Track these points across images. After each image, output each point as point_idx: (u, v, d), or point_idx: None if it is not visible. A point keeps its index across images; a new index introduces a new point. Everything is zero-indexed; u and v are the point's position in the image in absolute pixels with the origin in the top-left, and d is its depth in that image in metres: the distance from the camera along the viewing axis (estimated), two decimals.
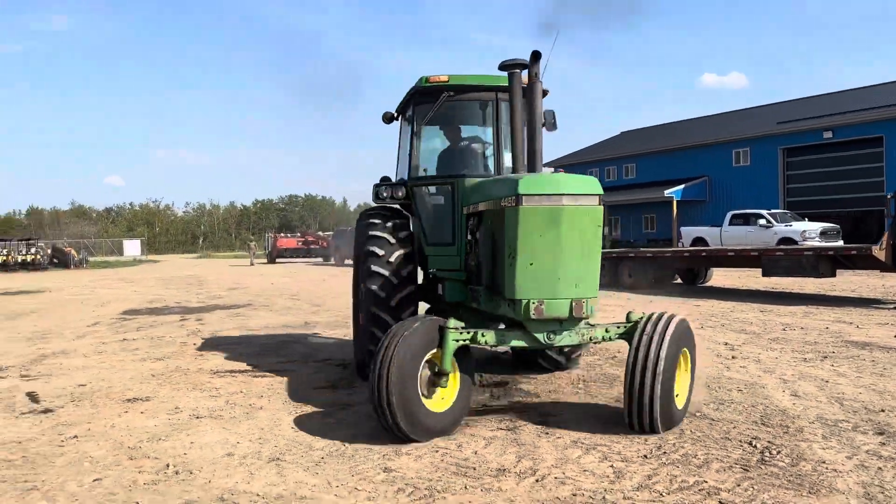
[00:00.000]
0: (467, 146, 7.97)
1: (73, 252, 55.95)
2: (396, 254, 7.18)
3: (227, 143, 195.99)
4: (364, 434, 5.71)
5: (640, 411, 5.39)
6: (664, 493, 4.32)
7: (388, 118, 8.41)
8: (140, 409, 6.83)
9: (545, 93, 7.49)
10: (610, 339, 5.87)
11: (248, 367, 8.95)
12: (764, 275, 17.03)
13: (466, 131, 8.15)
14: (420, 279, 7.79)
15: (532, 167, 6.19)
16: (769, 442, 5.32)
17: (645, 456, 5.01)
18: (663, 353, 5.37)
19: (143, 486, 4.65)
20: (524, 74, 6.29)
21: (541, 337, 5.64)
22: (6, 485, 4.76)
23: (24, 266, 49.62)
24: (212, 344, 11.24)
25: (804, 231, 26.57)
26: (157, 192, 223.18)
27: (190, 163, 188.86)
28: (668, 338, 5.43)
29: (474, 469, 4.81)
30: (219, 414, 6.57)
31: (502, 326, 6.30)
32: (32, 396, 7.52)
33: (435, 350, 5.55)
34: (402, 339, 5.38)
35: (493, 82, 7.38)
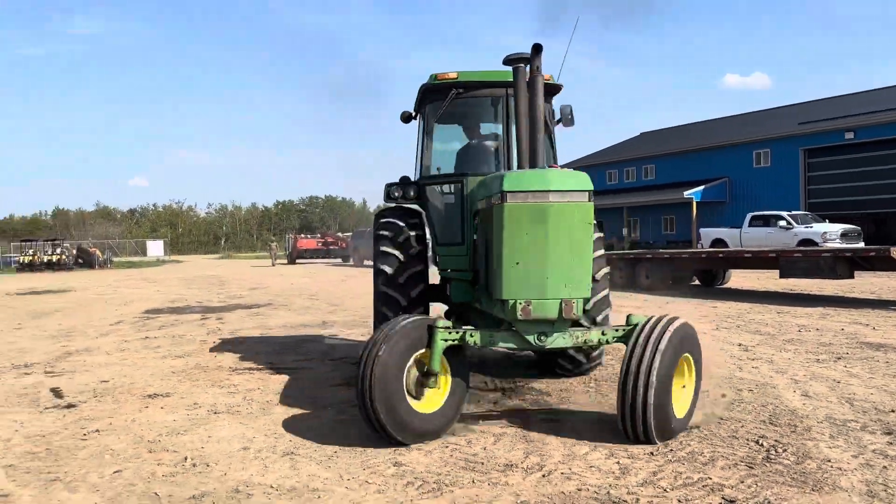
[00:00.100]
0: (479, 144, 7.88)
1: (97, 252, 56.78)
2: (405, 235, 7.30)
3: (249, 145, 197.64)
4: None
5: (633, 420, 5.15)
6: (668, 489, 4.40)
7: (405, 117, 8.33)
8: (160, 405, 7.01)
9: (559, 88, 7.48)
10: (607, 342, 5.69)
11: (266, 365, 9.12)
12: (781, 276, 16.96)
13: (481, 128, 8.08)
14: (437, 280, 7.87)
15: (534, 164, 6.08)
16: (776, 441, 5.37)
17: (651, 453, 5.08)
18: (657, 360, 5.09)
19: (161, 478, 4.81)
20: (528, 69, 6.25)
21: (531, 339, 5.49)
22: (30, 476, 4.95)
23: (50, 266, 50.44)
24: (231, 342, 11.45)
25: (825, 233, 26.36)
26: (180, 193, 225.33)
27: (212, 164, 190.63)
28: (663, 343, 5.17)
29: (482, 464, 4.93)
30: (236, 409, 6.74)
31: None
32: (56, 392, 7.74)
33: (423, 350, 5.47)
34: (386, 339, 5.32)
35: (503, 77, 7.23)
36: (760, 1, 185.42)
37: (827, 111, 42.50)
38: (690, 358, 5.62)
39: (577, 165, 56.62)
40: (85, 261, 54.20)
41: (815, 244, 25.17)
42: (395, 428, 5.20)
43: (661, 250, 23.19)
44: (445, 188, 7.69)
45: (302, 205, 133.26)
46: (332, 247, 57.03)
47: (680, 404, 5.48)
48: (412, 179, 8.15)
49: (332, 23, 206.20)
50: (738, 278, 22.58)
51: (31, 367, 9.41)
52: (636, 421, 5.12)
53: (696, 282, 20.97)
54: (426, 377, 5.47)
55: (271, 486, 4.59)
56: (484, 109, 7.86)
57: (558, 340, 5.53)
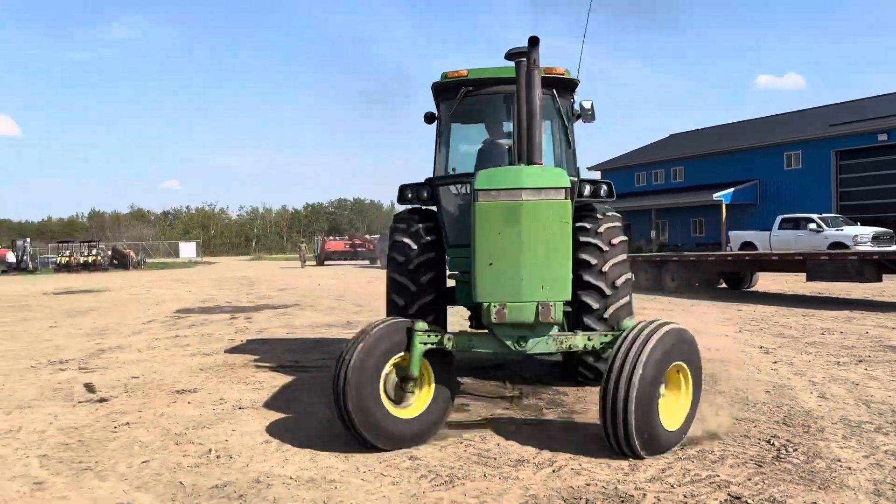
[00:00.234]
0: (494, 142, 7.64)
1: (131, 254, 57.86)
2: (417, 227, 7.11)
3: (280, 148, 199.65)
4: None
5: (614, 430, 4.84)
6: (675, 485, 4.50)
7: (429, 118, 8.13)
8: (187, 400, 7.25)
9: (574, 83, 7.27)
10: (593, 348, 5.45)
11: (290, 363, 9.33)
12: (808, 279, 16.82)
13: (495, 127, 7.83)
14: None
15: (531, 161, 5.82)
16: (787, 440, 5.43)
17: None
18: (639, 367, 4.78)
19: (186, 468, 5.02)
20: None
21: (510, 343, 5.27)
22: (63, 465, 5.19)
23: (86, 267, 51.47)
24: (258, 341, 11.70)
25: (855, 235, 26.00)
26: (213, 195, 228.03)
27: (244, 167, 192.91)
28: (647, 349, 4.86)
29: (495, 459, 5.06)
30: (260, 405, 6.95)
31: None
32: (89, 387, 8.03)
33: (403, 353, 5.35)
34: (362, 341, 5.22)
35: (510, 74, 6.91)
36: (794, 1, 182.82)
37: (859, 113, 41.84)
38: (685, 367, 5.25)
39: (605, 167, 56.47)
40: (119, 262, 55.24)
41: (846, 247, 24.83)
42: (370, 433, 5.10)
43: (686, 253, 23.07)
44: (456, 189, 7.52)
45: (331, 207, 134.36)
46: (359, 249, 57.51)
47: (671, 416, 5.16)
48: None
49: (366, 26, 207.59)
50: (766, 281, 22.39)
51: (66, 364, 9.73)
52: (617, 431, 4.82)
53: (724, 285, 20.86)
54: (405, 381, 5.38)
55: (290, 478, 4.77)
56: (497, 107, 7.60)
57: (540, 346, 5.29)
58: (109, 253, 57.40)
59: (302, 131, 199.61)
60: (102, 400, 7.37)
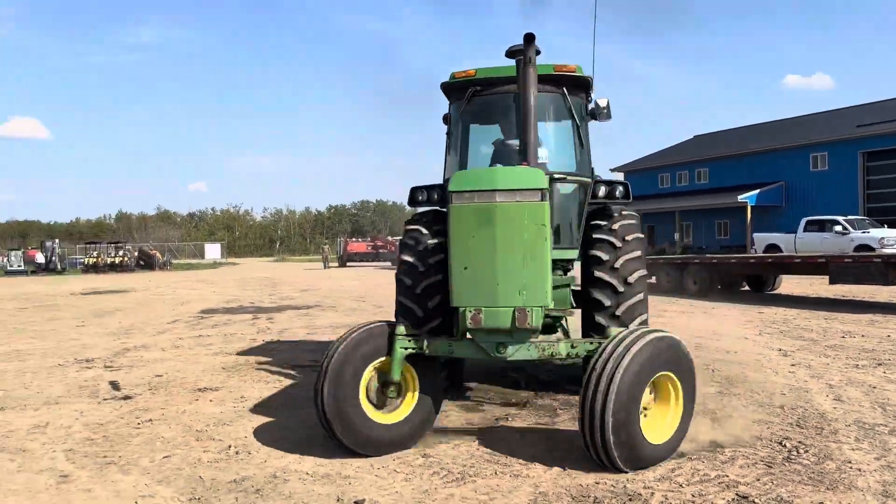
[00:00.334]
0: (503, 143, 7.43)
1: (157, 255, 58.66)
2: (425, 244, 6.78)
3: (303, 150, 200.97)
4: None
5: (594, 445, 4.64)
6: (684, 485, 4.56)
7: (446, 119, 7.85)
8: (209, 398, 7.42)
9: (586, 80, 7.03)
10: (577, 355, 5.25)
11: (310, 363, 9.48)
12: (831, 282, 16.65)
13: (507, 127, 7.47)
14: None
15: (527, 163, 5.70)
16: (799, 442, 5.45)
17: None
18: (618, 376, 4.55)
19: (206, 463, 5.17)
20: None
21: (489, 349, 5.13)
22: (88, 459, 5.37)
23: (113, 268, 52.24)
24: (279, 341, 11.88)
25: (882, 238, 25.63)
26: (238, 197, 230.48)
27: (269, 170, 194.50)
28: (627, 358, 4.63)
29: (506, 457, 5.15)
30: (279, 403, 7.10)
31: None
32: (115, 385, 8.24)
33: (384, 358, 5.30)
34: (342, 346, 5.20)
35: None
36: (823, 1, 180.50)
37: (887, 113, 41.28)
38: (675, 377, 4.98)
39: (628, 169, 56.19)
40: (146, 263, 56.01)
41: (872, 250, 24.51)
42: (349, 438, 5.08)
43: (708, 255, 22.93)
44: None
45: (354, 209, 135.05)
46: (381, 250, 57.83)
47: (658, 428, 4.95)
48: None
49: (393, 29, 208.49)
50: (790, 284, 22.20)
51: (92, 362, 9.97)
52: (596, 444, 4.61)
53: (746, 287, 20.73)
54: (386, 386, 5.32)
55: (307, 473, 4.89)
56: (508, 106, 7.30)
57: (521, 352, 5.12)
58: (136, 254, 58.18)
59: (326, 134, 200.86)
60: (127, 397, 7.57)
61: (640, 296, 6.60)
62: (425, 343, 5.33)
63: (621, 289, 6.51)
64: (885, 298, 17.54)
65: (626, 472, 4.67)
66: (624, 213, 7.12)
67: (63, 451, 5.59)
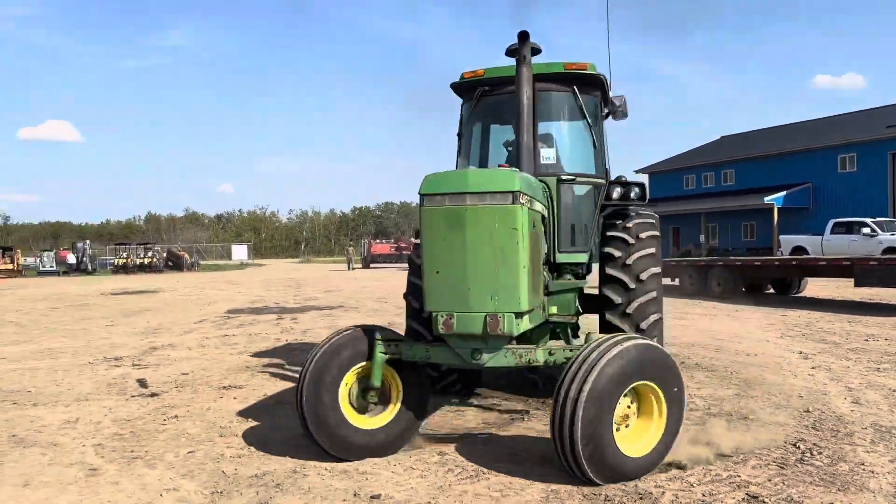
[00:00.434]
0: (511, 143, 7.16)
1: (185, 255, 59.41)
2: None
3: (329, 153, 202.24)
4: (429, 424, 6.24)
5: (565, 457, 4.48)
6: (695, 484, 4.62)
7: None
8: (233, 396, 7.60)
9: (597, 78, 6.82)
10: (555, 363, 4.98)
11: None
12: (856, 285, 16.49)
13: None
14: None
15: (518, 166, 5.67)
16: (814, 444, 5.48)
17: None
18: (588, 384, 4.36)
19: (228, 458, 5.33)
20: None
21: (464, 355, 4.97)
22: (115, 453, 5.55)
23: (142, 268, 53.08)
24: (302, 340, 12.07)
25: None
26: (264, 199, 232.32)
27: (295, 172, 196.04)
28: (599, 366, 4.43)
29: (520, 456, 5.25)
30: None
31: None
32: (142, 382, 8.46)
33: (365, 362, 5.26)
34: (323, 350, 5.22)
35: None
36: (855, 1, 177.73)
37: None
38: (656, 387, 4.72)
39: (653, 170, 55.85)
40: (174, 263, 56.78)
41: None
42: (328, 442, 5.08)
43: (732, 257, 22.78)
44: None
45: (378, 210, 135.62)
46: (405, 252, 58.00)
47: (638, 441, 4.75)
48: None
49: (422, 32, 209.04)
50: (816, 287, 21.99)
51: (121, 360, 10.22)
52: (567, 456, 4.45)
53: (771, 290, 20.57)
54: (367, 391, 5.28)
55: (325, 469, 5.03)
56: (513, 107, 7.10)
57: (498, 359, 4.94)
58: (164, 255, 59.02)
59: (352, 136, 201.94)
60: (154, 394, 7.77)
61: (653, 294, 6.43)
62: (405, 348, 5.25)
63: (632, 286, 6.39)
64: None
65: (599, 485, 4.51)
66: (642, 212, 7.06)
67: (92, 445, 5.79)
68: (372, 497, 4.48)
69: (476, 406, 6.96)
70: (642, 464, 4.68)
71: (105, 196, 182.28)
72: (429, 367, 6.95)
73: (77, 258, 53.91)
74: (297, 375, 8.59)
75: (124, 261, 53.99)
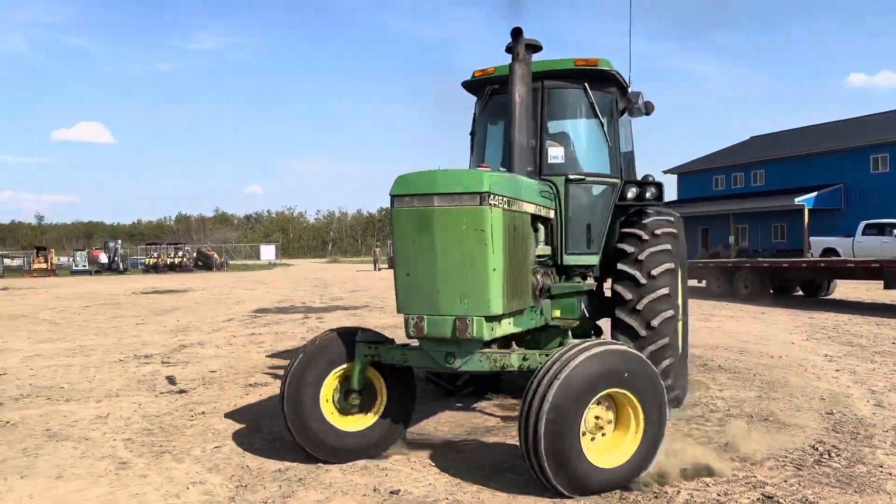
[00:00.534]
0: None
1: (215, 255, 60.06)
2: None
3: (356, 153, 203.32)
4: (453, 423, 6.34)
5: (531, 466, 4.37)
6: (710, 483, 4.67)
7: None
8: (259, 393, 7.77)
9: (611, 75, 6.60)
10: (529, 367, 4.80)
11: None
12: (886, 287, 16.28)
13: (549, 127, 6.93)
14: None
15: (510, 166, 5.62)
16: (833, 446, 5.48)
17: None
18: (553, 390, 4.23)
19: (253, 454, 5.49)
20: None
21: (438, 358, 4.88)
22: (144, 448, 5.73)
23: (172, 268, 53.75)
24: None
25: None
26: (292, 200, 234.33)
27: (322, 173, 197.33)
28: (565, 372, 4.27)
29: None
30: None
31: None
32: (171, 379, 8.66)
33: (347, 364, 5.24)
34: (306, 351, 5.27)
35: (535, 68, 6.41)
36: None
37: None
38: (632, 396, 4.52)
39: (682, 170, 55.37)
40: (204, 263, 57.44)
41: None
42: (308, 443, 5.11)
43: (760, 259, 22.56)
44: None
45: None
46: None
47: (611, 452, 4.54)
48: None
49: (454, 34, 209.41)
50: (846, 289, 21.72)
51: (151, 358, 10.46)
52: (533, 465, 4.34)
53: (800, 292, 20.36)
54: (350, 394, 5.27)
55: (347, 465, 5.15)
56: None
57: (471, 363, 4.83)
58: (194, 255, 59.68)
59: (379, 136, 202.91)
60: (182, 391, 7.96)
61: (664, 290, 6.15)
62: (385, 350, 5.19)
63: (643, 281, 6.14)
64: None
65: (570, 497, 4.35)
66: (662, 211, 6.86)
67: (122, 440, 5.97)
68: (391, 492, 4.59)
69: (498, 405, 7.03)
70: (616, 475, 4.48)
71: (136, 196, 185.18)
72: (440, 375, 6.97)
73: (109, 258, 54.76)
74: None
75: (155, 260, 54.74)
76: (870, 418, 6.33)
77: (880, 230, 27.44)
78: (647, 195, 6.72)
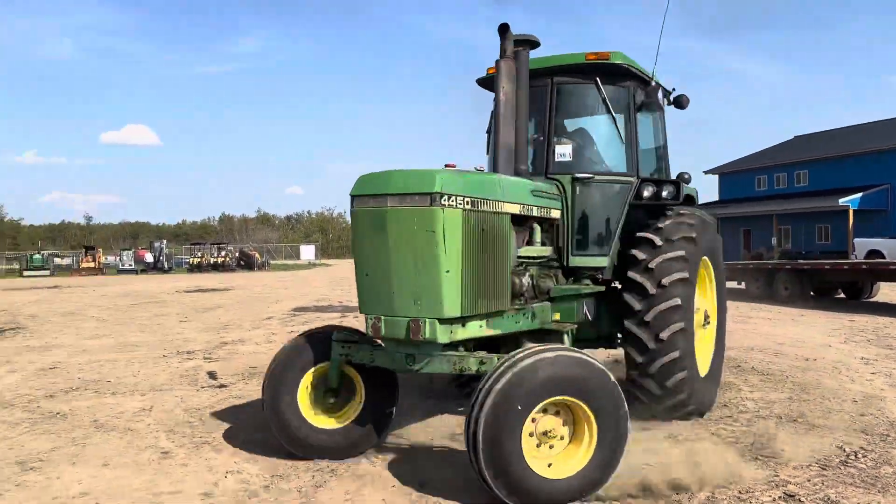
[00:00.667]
0: (535, 139, 6.69)
1: (257, 255, 60.84)
2: None
3: (394, 155, 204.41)
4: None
5: (473, 467, 4.26)
6: (732, 482, 4.72)
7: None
8: None
9: (624, 69, 6.36)
10: (486, 371, 4.57)
11: None
12: None
13: (537, 121, 6.70)
14: None
15: (495, 165, 5.52)
16: (860, 447, 5.49)
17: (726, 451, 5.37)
18: (490, 396, 4.13)
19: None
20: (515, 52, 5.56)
21: (399, 359, 4.87)
22: (186, 439, 5.99)
23: (215, 267, 54.62)
24: None
25: None
26: (332, 201, 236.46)
27: (361, 173, 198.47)
28: (505, 378, 4.16)
29: None
30: None
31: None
32: (212, 374, 8.96)
33: (325, 363, 5.28)
34: (284, 350, 5.39)
35: (545, 64, 6.38)
36: None
37: None
38: (585, 406, 4.30)
39: (723, 171, 54.63)
40: (246, 263, 58.26)
41: None
42: (286, 438, 5.22)
43: (800, 261, 22.22)
44: None
45: None
46: None
47: (563, 463, 4.36)
48: None
49: (482, 34, 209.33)
50: (890, 291, 21.27)
51: (193, 354, 10.80)
52: (472, 464, 4.24)
53: (842, 294, 20.02)
54: (328, 392, 5.34)
55: (377, 456, 5.36)
56: (537, 100, 6.55)
57: (431, 365, 4.79)
58: (237, 254, 60.60)
59: (420, 136, 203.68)
60: (222, 386, 8.24)
61: (676, 301, 5.86)
62: (357, 349, 5.18)
63: (653, 291, 5.89)
64: None
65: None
66: (683, 212, 6.47)
67: (164, 431, 6.24)
68: (420, 483, 4.75)
69: None
70: (563, 488, 4.26)
71: (181, 197, 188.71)
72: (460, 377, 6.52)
73: (154, 257, 56.00)
74: None
75: (199, 260, 55.73)
76: None
77: None
78: (664, 194, 6.40)
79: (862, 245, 29.48)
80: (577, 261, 6.30)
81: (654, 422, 6.03)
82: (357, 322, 15.11)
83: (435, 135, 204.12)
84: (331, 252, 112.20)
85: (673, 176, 7.10)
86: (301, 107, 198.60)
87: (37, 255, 53.46)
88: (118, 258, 57.80)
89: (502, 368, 4.24)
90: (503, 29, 5.41)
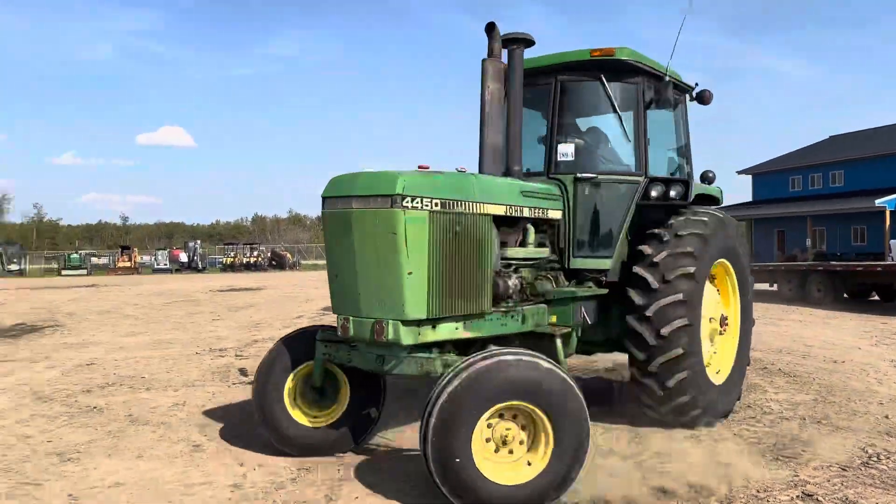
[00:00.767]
0: (542, 138, 6.62)
1: (288, 255, 61.49)
2: None
3: (424, 157, 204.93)
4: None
5: (425, 467, 4.21)
6: (751, 481, 4.77)
7: None
8: None
9: (629, 65, 6.18)
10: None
11: None
12: None
13: (545, 118, 6.57)
14: None
15: (480, 166, 5.51)
16: (883, 449, 5.49)
17: (745, 451, 5.40)
18: (441, 400, 4.10)
19: None
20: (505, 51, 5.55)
21: (371, 359, 4.90)
22: (216, 433, 6.19)
23: (248, 267, 55.36)
24: None
25: None
26: None
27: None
28: (456, 381, 4.12)
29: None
30: None
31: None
32: (243, 371, 9.16)
33: (311, 362, 5.35)
34: (273, 349, 5.49)
35: (549, 62, 6.30)
36: None
37: None
38: (540, 413, 4.21)
39: (757, 171, 53.95)
40: (277, 263, 58.93)
41: None
42: (273, 434, 5.36)
43: (833, 262, 21.92)
44: None
45: None
46: None
47: (517, 469, 4.28)
48: None
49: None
50: None
51: (225, 351, 11.04)
52: (425, 464, 4.20)
53: (876, 297, 19.73)
54: (313, 390, 5.43)
55: (400, 453, 5.49)
56: (538, 100, 6.54)
57: (402, 366, 4.77)
58: (269, 255, 61.30)
59: (443, 139, 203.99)
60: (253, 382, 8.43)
61: (679, 296, 5.68)
62: (339, 349, 5.17)
63: (656, 285, 5.70)
64: None
65: None
66: (698, 211, 6.25)
67: (197, 425, 6.43)
68: None
69: None
70: (514, 495, 4.17)
71: (215, 198, 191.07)
72: None
73: (188, 257, 56.91)
74: None
75: (232, 260, 56.54)
76: None
77: None
78: (672, 194, 6.16)
79: None
80: (578, 262, 6.16)
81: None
82: None
83: (470, 136, 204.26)
84: None
85: (697, 175, 7.03)
86: (335, 108, 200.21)
87: (74, 255, 54.56)
88: (153, 258, 58.79)
89: (457, 371, 4.21)
90: (490, 28, 5.34)
